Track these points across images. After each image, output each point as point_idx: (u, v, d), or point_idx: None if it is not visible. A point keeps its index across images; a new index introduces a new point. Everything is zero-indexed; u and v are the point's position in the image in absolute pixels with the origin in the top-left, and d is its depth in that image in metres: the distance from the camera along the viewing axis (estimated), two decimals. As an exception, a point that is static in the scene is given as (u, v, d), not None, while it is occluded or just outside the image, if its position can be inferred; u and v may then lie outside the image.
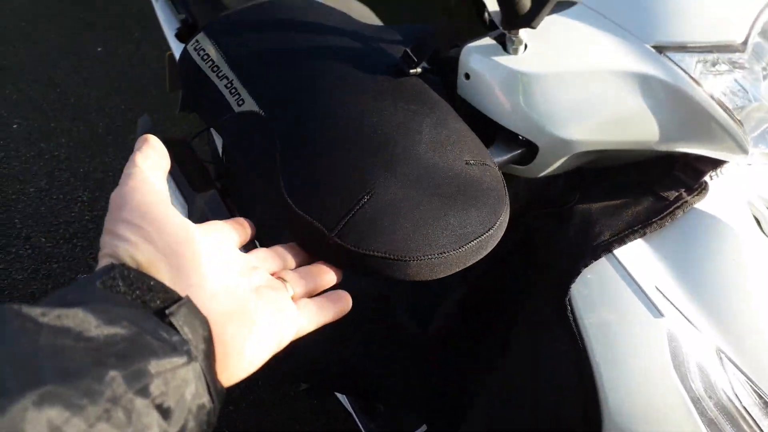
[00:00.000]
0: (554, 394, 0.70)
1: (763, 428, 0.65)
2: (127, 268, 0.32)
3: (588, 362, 0.67)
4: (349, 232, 0.48)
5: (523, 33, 0.62)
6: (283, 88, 0.62)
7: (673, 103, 0.63)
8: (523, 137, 0.66)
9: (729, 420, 0.65)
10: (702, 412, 0.65)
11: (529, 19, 0.58)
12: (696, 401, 0.65)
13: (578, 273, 0.68)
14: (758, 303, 0.66)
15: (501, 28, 0.62)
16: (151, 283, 0.32)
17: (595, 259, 0.68)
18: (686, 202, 0.70)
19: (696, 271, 0.68)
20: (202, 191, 1.29)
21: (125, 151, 2.23)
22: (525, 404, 0.74)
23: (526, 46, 0.63)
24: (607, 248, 0.68)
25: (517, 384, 0.76)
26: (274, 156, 0.56)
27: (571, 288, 0.68)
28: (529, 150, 0.67)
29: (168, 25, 1.51)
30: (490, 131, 0.68)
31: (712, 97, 0.63)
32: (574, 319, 0.68)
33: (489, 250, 0.54)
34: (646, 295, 0.67)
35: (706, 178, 0.71)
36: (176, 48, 1.46)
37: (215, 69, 0.66)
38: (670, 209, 0.69)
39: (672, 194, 0.71)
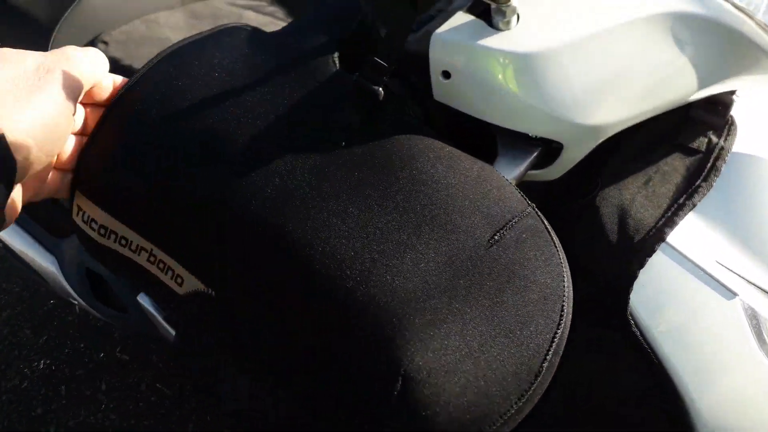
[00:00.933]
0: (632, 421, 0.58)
1: None
2: None
3: (667, 376, 0.55)
4: None
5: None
6: (217, 246, 0.40)
7: (712, 41, 0.48)
8: (536, 136, 0.48)
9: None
10: (798, 386, 0.55)
11: None
12: (788, 375, 0.55)
13: (635, 277, 0.54)
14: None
15: (481, -3, 0.43)
16: None
17: (650, 255, 0.54)
18: (723, 148, 0.57)
19: (754, 229, 0.56)
20: (68, 236, 1.04)
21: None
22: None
23: (518, 16, 0.45)
24: (659, 237, 0.54)
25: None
26: (254, 360, 0.39)
27: (630, 297, 0.54)
28: (546, 149, 0.50)
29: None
30: (487, 139, 0.50)
31: (753, 20, 0.48)
32: (641, 333, 0.55)
33: (565, 340, 0.39)
34: (711, 276, 0.54)
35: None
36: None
37: (123, 242, 0.42)
38: (711, 163, 0.56)
39: (702, 142, 0.57)
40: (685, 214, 0.55)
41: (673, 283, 0.54)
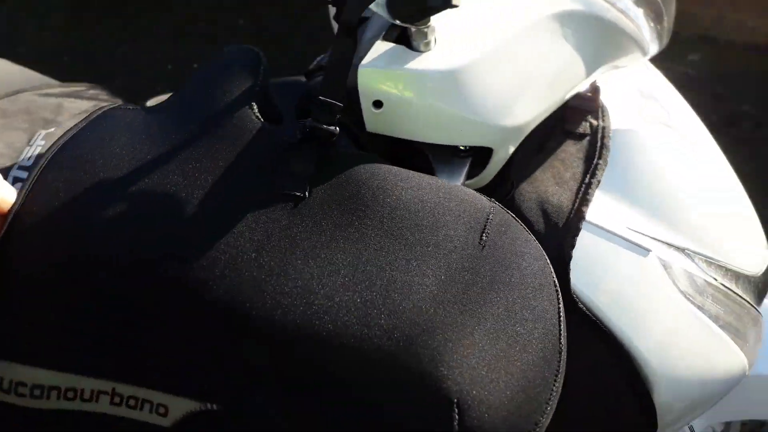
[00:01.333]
0: (602, 399, 0.62)
1: (738, 293, 0.66)
2: None
3: (616, 339, 0.60)
4: None
5: (433, 19, 0.45)
6: (203, 350, 0.35)
7: (590, 31, 0.54)
8: (465, 147, 0.50)
9: (723, 304, 0.65)
10: (711, 316, 0.63)
11: None
12: (702, 309, 0.63)
13: (570, 258, 0.58)
14: (684, 187, 0.65)
15: (398, 22, 0.44)
16: None
17: (577, 235, 0.58)
18: (605, 128, 0.63)
19: (647, 192, 0.64)
20: None
21: None
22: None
23: (435, 38, 0.46)
24: (580, 216, 0.58)
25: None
26: None
27: (570, 279, 0.58)
28: (476, 158, 0.52)
29: None
30: (420, 161, 0.51)
31: (615, 7, 0.55)
32: (588, 309, 0.59)
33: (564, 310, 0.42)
34: (628, 240, 0.61)
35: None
36: None
37: (72, 395, 0.34)
38: (600, 143, 0.62)
39: (585, 127, 0.64)
40: (594, 191, 0.60)
41: (599, 255, 0.59)
